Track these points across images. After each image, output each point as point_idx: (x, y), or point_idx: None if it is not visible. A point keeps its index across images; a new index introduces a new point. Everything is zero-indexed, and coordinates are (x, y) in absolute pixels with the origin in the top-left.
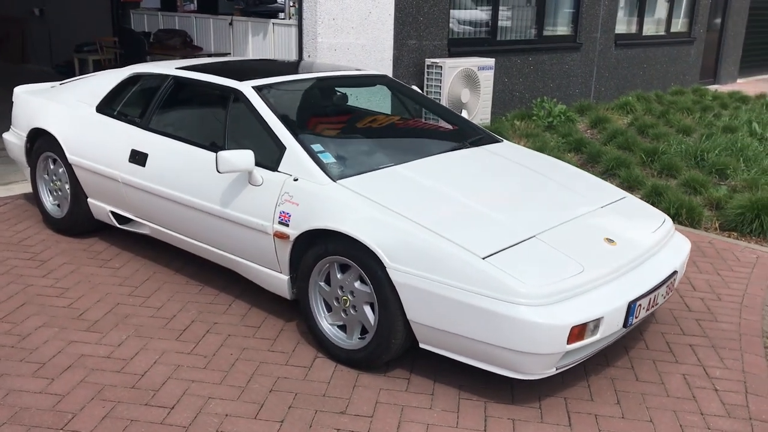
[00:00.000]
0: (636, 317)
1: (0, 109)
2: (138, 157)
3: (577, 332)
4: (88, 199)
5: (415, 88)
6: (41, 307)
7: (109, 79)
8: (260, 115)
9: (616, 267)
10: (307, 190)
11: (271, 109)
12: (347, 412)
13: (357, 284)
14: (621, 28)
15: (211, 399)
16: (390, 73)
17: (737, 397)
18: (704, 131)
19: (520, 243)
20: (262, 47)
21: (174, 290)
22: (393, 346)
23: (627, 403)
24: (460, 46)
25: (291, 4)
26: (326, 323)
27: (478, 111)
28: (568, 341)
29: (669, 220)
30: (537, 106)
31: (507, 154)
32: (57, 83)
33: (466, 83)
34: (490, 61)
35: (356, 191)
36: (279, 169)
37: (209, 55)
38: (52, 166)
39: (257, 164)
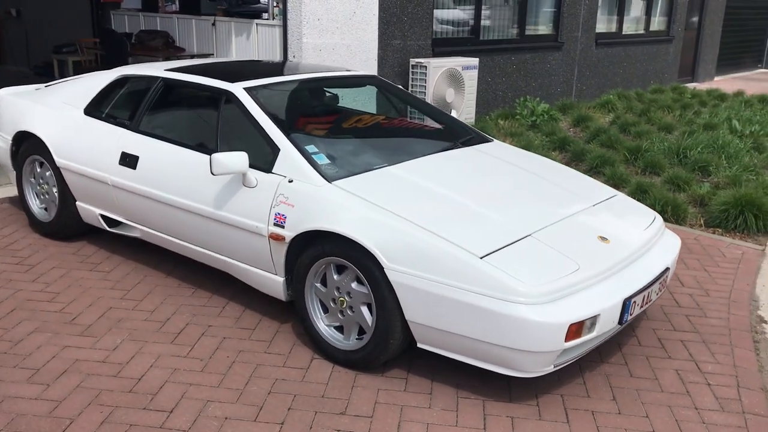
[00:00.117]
0: (631, 314)
1: None
2: (129, 160)
3: (575, 330)
4: (77, 203)
5: (400, 88)
6: (32, 312)
7: (97, 81)
8: (253, 116)
9: (610, 265)
10: (303, 192)
11: (263, 111)
12: (347, 412)
13: (354, 285)
14: (601, 27)
15: (210, 402)
16: (375, 73)
17: (730, 391)
18: (685, 129)
19: (517, 242)
20: (246, 48)
21: (166, 293)
22: (391, 347)
23: (622, 399)
24: (443, 46)
25: (275, 4)
26: (323, 324)
27: (463, 110)
28: (566, 339)
29: (659, 217)
30: (520, 105)
31: (498, 153)
32: (42, 85)
33: (450, 83)
34: (474, 61)
35: (352, 192)
36: (273, 171)
37: (192, 56)
38: (38, 170)
39: (250, 166)
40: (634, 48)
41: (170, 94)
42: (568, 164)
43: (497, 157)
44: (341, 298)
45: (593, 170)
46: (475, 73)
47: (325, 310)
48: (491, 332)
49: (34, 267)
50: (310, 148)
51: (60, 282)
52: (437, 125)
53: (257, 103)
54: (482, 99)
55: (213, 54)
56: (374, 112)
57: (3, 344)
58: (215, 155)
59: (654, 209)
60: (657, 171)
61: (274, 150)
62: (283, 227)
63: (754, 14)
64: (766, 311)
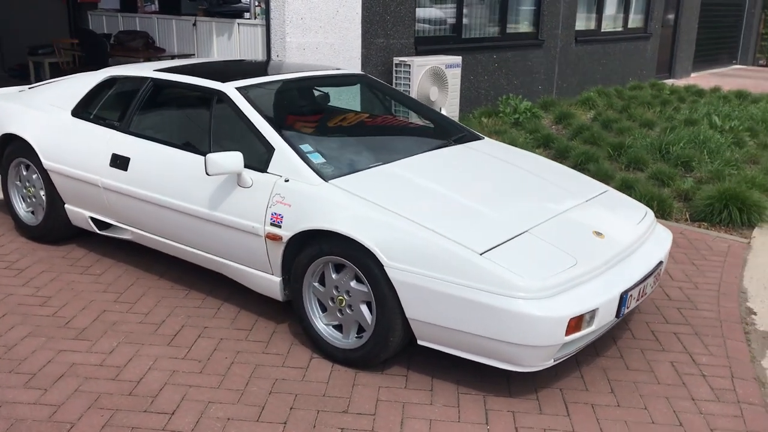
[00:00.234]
0: (627, 307)
1: None
2: (119, 162)
3: (574, 324)
4: (66, 206)
5: (390, 86)
6: (24, 316)
7: (84, 82)
8: (246, 116)
9: (606, 259)
10: (300, 191)
11: (256, 110)
12: (349, 410)
13: (353, 284)
14: (580, 24)
15: (211, 403)
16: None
17: (724, 382)
18: (666, 125)
19: (515, 238)
20: (227, 48)
21: (160, 295)
22: (391, 344)
23: (621, 391)
24: (426, 45)
25: (257, 3)
26: (321, 324)
27: (447, 109)
28: (566, 333)
29: (650, 212)
30: (503, 102)
31: (490, 151)
32: (26, 87)
33: (434, 81)
34: (457, 59)
35: (349, 191)
36: (268, 171)
37: (173, 57)
38: (24, 173)
39: (245, 166)
40: (613, 45)
41: (160, 94)
42: (553, 161)
43: (490, 154)
44: (340, 297)
45: (578, 167)
46: (458, 71)
47: (324, 309)
48: (493, 328)
49: (23, 271)
50: (305, 147)
51: (51, 286)
52: (429, 123)
53: (250, 103)
54: (465, 97)
55: (194, 54)
56: (359, 110)
57: None
58: (210, 155)
59: None
60: (641, 167)
61: (269, 149)
62: (280, 227)
63: (728, 11)
64: (755, 303)
